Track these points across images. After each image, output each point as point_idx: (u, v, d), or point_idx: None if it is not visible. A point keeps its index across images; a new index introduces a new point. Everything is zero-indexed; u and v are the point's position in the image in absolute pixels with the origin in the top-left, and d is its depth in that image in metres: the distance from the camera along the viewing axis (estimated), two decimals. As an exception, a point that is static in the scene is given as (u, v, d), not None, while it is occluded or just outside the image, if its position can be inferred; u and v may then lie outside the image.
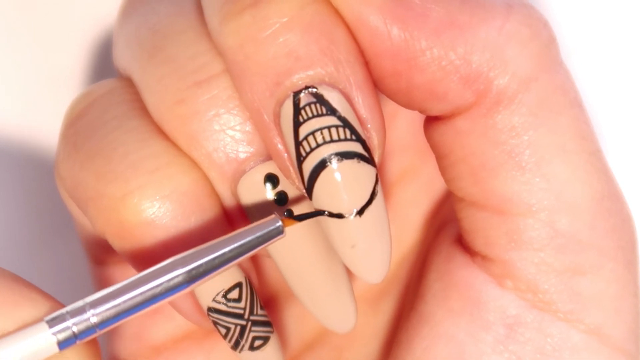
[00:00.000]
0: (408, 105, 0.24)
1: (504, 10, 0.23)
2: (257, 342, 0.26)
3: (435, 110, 0.24)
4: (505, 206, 0.24)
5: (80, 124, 0.26)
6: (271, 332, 0.26)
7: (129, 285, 0.22)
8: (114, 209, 0.24)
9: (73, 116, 0.26)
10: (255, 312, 0.25)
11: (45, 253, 0.34)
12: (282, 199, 0.24)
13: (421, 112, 0.24)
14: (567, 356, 0.24)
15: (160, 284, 0.22)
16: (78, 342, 0.21)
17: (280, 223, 0.23)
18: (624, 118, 0.35)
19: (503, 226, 0.24)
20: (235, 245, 0.22)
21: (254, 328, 0.25)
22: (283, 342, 0.29)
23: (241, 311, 0.25)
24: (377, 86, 0.24)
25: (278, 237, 0.23)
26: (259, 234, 0.22)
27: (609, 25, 0.35)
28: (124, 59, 0.26)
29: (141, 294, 0.22)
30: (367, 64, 0.23)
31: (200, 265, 0.22)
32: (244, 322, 0.25)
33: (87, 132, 0.25)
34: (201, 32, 0.25)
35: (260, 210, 0.25)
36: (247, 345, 0.25)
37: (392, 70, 0.23)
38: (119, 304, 0.22)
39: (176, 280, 0.22)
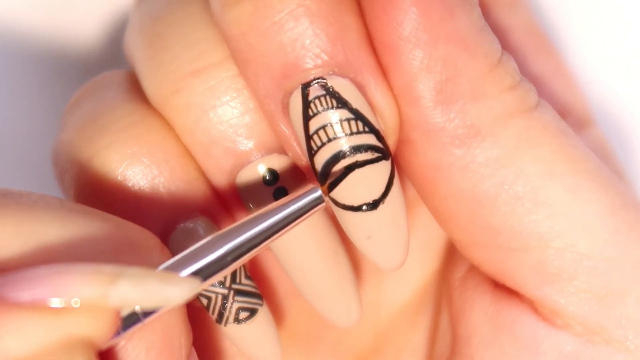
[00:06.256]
0: None
1: (496, 54, 0.22)
2: (243, 314, 0.24)
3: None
4: (517, 241, 0.22)
5: (74, 103, 0.26)
6: (259, 304, 0.24)
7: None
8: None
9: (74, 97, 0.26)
10: (238, 281, 0.24)
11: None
12: (281, 195, 0.23)
13: None
14: None
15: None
16: None
17: (320, 192, 0.21)
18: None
19: (525, 263, 0.22)
20: (276, 218, 0.21)
21: (237, 297, 0.24)
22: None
23: (221, 278, 0.23)
24: None
25: (320, 207, 0.21)
26: (299, 204, 0.21)
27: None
28: (128, 48, 0.25)
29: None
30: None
31: (242, 243, 0.20)
32: (225, 291, 0.24)
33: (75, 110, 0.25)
34: (203, 19, 0.24)
35: (259, 203, 0.24)
36: (231, 317, 0.24)
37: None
38: None
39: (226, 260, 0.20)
